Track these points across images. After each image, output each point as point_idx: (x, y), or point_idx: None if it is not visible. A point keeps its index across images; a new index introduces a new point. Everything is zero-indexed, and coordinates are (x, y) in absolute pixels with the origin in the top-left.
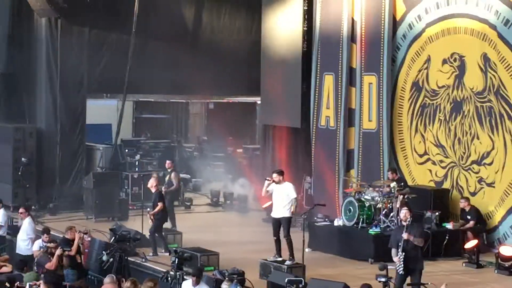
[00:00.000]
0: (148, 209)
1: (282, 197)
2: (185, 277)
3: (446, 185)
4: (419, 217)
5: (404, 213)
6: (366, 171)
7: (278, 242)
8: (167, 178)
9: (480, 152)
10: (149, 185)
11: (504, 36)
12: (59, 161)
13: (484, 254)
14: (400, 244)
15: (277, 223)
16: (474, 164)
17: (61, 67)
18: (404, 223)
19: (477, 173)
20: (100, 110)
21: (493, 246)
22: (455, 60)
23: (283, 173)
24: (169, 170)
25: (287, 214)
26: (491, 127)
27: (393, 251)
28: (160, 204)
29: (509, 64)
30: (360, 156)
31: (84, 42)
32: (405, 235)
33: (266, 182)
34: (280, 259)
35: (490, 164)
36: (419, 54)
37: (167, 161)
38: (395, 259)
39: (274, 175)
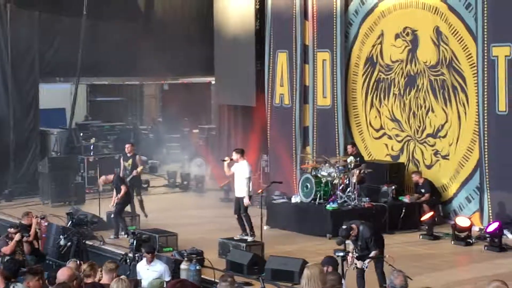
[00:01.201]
0: (115, 193)
1: (240, 176)
2: (143, 257)
3: (403, 159)
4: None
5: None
6: (322, 148)
7: (240, 220)
8: (127, 163)
9: (435, 125)
10: (101, 183)
11: (455, 8)
12: (13, 146)
13: (440, 225)
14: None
15: (238, 202)
16: (429, 137)
17: (12, 52)
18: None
19: (432, 146)
20: (53, 94)
21: (449, 217)
22: (407, 34)
23: (242, 152)
24: (129, 155)
25: (244, 193)
26: (445, 100)
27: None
28: (123, 188)
29: (461, 37)
30: (315, 133)
31: (34, 26)
32: (372, 254)
33: (225, 162)
34: (246, 237)
35: (444, 136)
36: (372, 30)
37: (127, 145)
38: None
39: (233, 153)
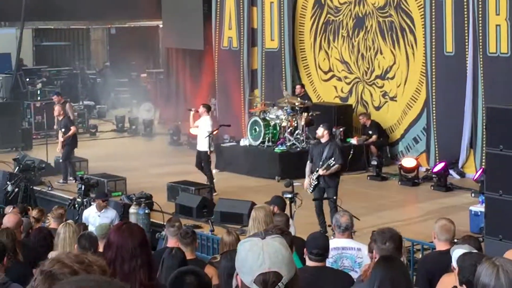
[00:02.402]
0: (61, 131)
1: (202, 131)
2: (92, 203)
3: (351, 100)
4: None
5: (321, 131)
6: (270, 90)
7: (205, 171)
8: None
9: (383, 66)
10: (56, 113)
11: None
12: None
13: (388, 166)
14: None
15: (199, 156)
16: (378, 79)
17: None
18: (323, 140)
19: (381, 87)
20: None
21: (396, 158)
22: None
23: (208, 108)
24: (59, 103)
25: (204, 148)
26: (393, 41)
27: (308, 165)
28: (73, 128)
29: None
30: (263, 76)
31: None
32: (321, 171)
33: (191, 113)
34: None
35: (392, 78)
36: None
37: (54, 96)
38: (307, 177)
39: (200, 106)
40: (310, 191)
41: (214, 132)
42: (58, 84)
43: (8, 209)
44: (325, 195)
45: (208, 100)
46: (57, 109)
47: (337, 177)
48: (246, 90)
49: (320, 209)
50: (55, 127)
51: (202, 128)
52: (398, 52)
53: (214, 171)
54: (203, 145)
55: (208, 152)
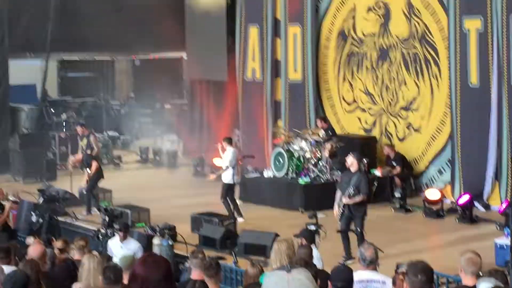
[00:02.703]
0: (87, 169)
1: (225, 163)
2: (116, 234)
3: (376, 132)
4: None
5: (350, 160)
6: (293, 122)
7: (226, 204)
8: (82, 142)
9: (407, 98)
10: (70, 164)
11: None
12: None
13: (412, 198)
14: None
15: (223, 188)
16: (402, 110)
17: None
18: (352, 170)
19: (405, 119)
20: (23, 70)
21: (421, 190)
22: (379, 7)
23: (228, 140)
24: (84, 135)
25: (225, 180)
26: (417, 73)
27: (337, 193)
28: (94, 163)
29: (433, 9)
30: (286, 107)
31: (3, 1)
32: (344, 200)
33: (219, 147)
34: (240, 219)
35: (416, 110)
36: (344, 3)
37: (78, 127)
38: (336, 204)
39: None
40: (339, 218)
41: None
42: (82, 115)
43: (30, 240)
44: (352, 225)
45: (231, 131)
46: (71, 160)
47: (362, 206)
48: (269, 121)
49: (345, 234)
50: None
51: (225, 160)
52: (422, 84)
53: (238, 202)
54: (226, 177)
55: (232, 183)
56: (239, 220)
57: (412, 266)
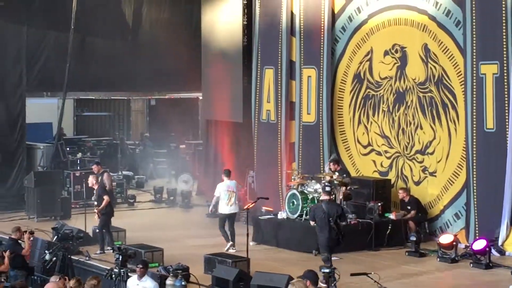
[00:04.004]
0: (95, 203)
1: (216, 193)
2: (129, 274)
3: (391, 175)
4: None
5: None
6: (307, 164)
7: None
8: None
9: (423, 141)
10: (90, 184)
11: (445, 25)
12: None
13: (426, 243)
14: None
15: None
16: (418, 154)
17: None
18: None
19: (421, 162)
20: (40, 109)
21: (435, 234)
22: (396, 51)
23: (226, 173)
24: (98, 174)
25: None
26: (433, 117)
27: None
28: (106, 197)
29: (451, 54)
30: (300, 149)
31: (22, 40)
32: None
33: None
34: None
35: (432, 153)
36: (360, 46)
37: (94, 166)
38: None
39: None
40: None
41: (251, 205)
42: (98, 154)
43: (54, 279)
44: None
45: (246, 173)
46: (90, 180)
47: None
48: (283, 163)
49: None
50: (93, 198)
51: (217, 191)
52: (439, 128)
53: (251, 243)
54: (221, 207)
55: (226, 213)
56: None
57: None
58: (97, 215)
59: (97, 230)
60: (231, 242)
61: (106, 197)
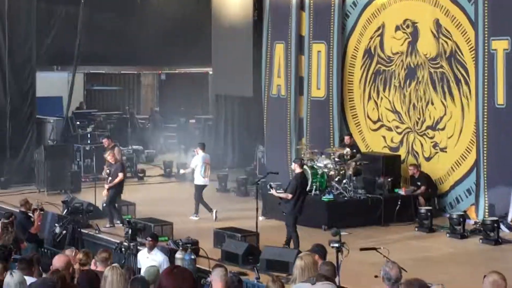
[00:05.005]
0: (109, 178)
1: (192, 165)
2: (139, 247)
3: (402, 150)
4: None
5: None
6: (316, 139)
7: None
8: (107, 155)
9: (434, 117)
10: (111, 160)
11: (458, 1)
12: (10, 134)
13: (436, 218)
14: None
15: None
16: (429, 130)
17: (9, 40)
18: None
19: (431, 138)
20: (50, 82)
21: (444, 210)
22: (408, 26)
23: (201, 145)
24: (109, 148)
25: (196, 182)
26: (444, 92)
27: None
28: (120, 175)
29: (464, 29)
30: (308, 124)
31: (32, 15)
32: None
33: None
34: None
35: (443, 129)
36: (371, 22)
37: (104, 140)
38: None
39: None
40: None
41: (262, 179)
42: (108, 128)
43: (70, 252)
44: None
45: (256, 148)
46: (111, 155)
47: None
48: (293, 138)
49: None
50: (104, 173)
51: (193, 163)
52: (450, 103)
53: (260, 218)
54: (196, 179)
55: (201, 184)
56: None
57: (408, 285)
58: (106, 190)
59: (104, 205)
60: (215, 210)
61: (121, 175)
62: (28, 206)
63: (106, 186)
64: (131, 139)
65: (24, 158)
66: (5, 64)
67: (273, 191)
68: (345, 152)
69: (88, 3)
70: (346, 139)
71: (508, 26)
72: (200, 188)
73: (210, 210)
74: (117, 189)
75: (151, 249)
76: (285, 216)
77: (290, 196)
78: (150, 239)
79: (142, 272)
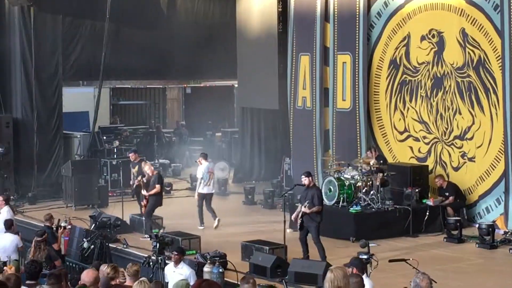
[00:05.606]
0: (144, 191)
1: (198, 175)
2: (166, 261)
3: (430, 161)
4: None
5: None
6: (342, 150)
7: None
8: (134, 169)
9: (462, 127)
10: (150, 173)
11: (484, 9)
12: (37, 150)
13: (465, 228)
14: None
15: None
16: (456, 139)
17: (35, 55)
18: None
19: (460, 148)
20: (76, 98)
21: (473, 221)
22: (433, 36)
23: (204, 156)
24: (135, 162)
25: (200, 190)
26: (471, 102)
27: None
28: (158, 186)
29: (491, 38)
30: (334, 136)
31: (57, 30)
32: (303, 209)
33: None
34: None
35: (471, 139)
36: (396, 32)
37: (130, 154)
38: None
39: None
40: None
41: (289, 192)
42: (134, 142)
43: (104, 267)
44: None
45: (282, 160)
46: (147, 168)
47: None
48: (319, 149)
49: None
50: (131, 182)
51: (198, 173)
52: (479, 112)
53: (288, 230)
54: (200, 188)
55: (205, 193)
56: (199, 227)
57: None
58: (145, 199)
59: (144, 218)
60: (218, 218)
61: (158, 186)
62: (53, 221)
63: (146, 194)
64: (158, 153)
65: (52, 173)
66: (31, 80)
67: (305, 209)
68: (371, 164)
69: (113, 17)
70: (368, 153)
71: None
72: (203, 197)
73: (215, 217)
74: (156, 201)
75: (177, 263)
76: (311, 229)
77: (320, 208)
78: (176, 253)
79: (171, 286)
